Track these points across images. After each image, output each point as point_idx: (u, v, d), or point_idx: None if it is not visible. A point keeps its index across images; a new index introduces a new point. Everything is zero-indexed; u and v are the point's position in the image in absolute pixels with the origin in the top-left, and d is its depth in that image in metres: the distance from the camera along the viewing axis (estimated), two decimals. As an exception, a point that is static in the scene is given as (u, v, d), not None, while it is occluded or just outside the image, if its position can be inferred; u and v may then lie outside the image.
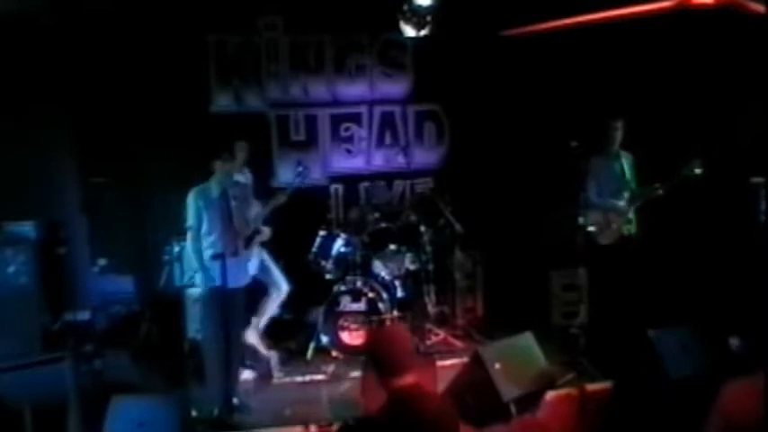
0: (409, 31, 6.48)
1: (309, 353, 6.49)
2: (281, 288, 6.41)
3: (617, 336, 5.45)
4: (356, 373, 5.71)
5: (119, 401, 4.16)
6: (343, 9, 7.30)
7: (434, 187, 7.74)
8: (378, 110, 7.92)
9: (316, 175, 7.52)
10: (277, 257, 6.48)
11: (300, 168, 6.52)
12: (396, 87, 7.94)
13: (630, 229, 6.12)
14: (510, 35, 4.89)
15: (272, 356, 6.33)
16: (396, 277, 6.82)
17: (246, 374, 6.05)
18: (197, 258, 5.31)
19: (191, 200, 5.31)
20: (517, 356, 4.69)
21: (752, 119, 5.20)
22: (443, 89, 7.84)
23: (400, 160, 7.59)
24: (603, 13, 3.07)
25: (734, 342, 5.11)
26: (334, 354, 6.39)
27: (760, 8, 2.48)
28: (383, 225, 7.01)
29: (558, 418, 4.27)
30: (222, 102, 7.46)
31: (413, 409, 2.82)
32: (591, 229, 6.10)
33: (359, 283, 6.51)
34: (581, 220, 6.04)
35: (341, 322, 6.40)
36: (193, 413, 4.95)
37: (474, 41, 7.44)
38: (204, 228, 5.29)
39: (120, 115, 6.75)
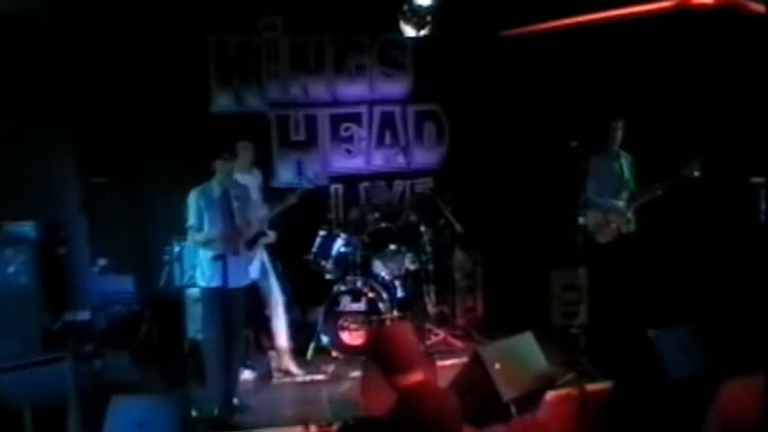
0: (409, 31, 6.47)
1: (309, 353, 6.49)
2: (276, 297, 6.22)
3: (617, 336, 5.46)
4: (356, 373, 5.73)
5: (119, 401, 4.15)
6: (343, 9, 7.30)
7: (434, 187, 7.73)
8: (378, 110, 7.91)
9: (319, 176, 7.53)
10: (274, 262, 6.32)
11: (314, 172, 6.55)
12: (396, 87, 7.93)
13: (630, 228, 6.12)
14: (510, 35, 4.88)
15: (290, 360, 6.29)
16: (396, 277, 6.82)
17: (246, 374, 6.05)
18: (198, 254, 5.33)
19: (192, 199, 5.32)
20: (517, 356, 4.70)
21: (752, 119, 5.19)
22: (443, 89, 7.83)
23: (400, 160, 7.58)
24: (603, 14, 3.06)
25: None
26: (334, 354, 6.38)
27: (760, 8, 2.47)
28: (383, 225, 7.00)
29: (558, 418, 4.26)
30: (222, 102, 7.45)
31: (424, 405, 2.81)
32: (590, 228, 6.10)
33: (359, 283, 6.51)
34: (581, 219, 6.04)
35: (341, 322, 6.40)
36: (193, 413, 4.96)
37: (474, 41, 7.43)
38: (205, 227, 5.30)
39: (119, 115, 6.76)
